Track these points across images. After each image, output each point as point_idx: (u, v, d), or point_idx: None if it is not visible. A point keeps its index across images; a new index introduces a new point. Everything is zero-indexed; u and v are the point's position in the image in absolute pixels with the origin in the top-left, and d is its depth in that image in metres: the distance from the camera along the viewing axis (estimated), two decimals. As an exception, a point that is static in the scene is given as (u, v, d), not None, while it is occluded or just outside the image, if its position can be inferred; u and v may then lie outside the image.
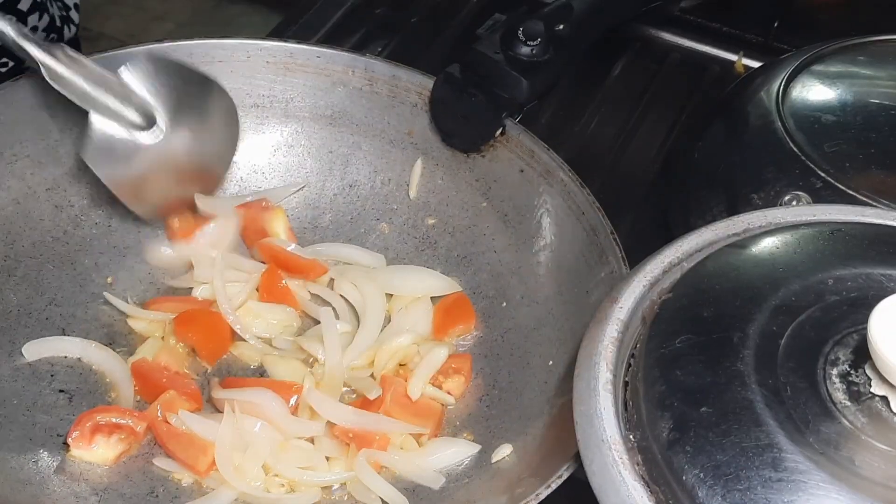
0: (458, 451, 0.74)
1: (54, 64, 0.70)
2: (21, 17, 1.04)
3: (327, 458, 0.74)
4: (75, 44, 1.18)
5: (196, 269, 0.83)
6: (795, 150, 0.79)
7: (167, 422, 0.74)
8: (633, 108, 1.04)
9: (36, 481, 0.70)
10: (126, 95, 0.74)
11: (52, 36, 1.09)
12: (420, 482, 0.72)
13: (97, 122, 0.73)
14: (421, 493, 0.72)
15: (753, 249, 0.62)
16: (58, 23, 1.10)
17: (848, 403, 0.53)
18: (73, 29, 1.14)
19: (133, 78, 0.75)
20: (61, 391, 0.76)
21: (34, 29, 1.06)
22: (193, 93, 0.79)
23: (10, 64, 1.05)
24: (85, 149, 0.74)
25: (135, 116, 0.74)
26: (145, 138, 0.76)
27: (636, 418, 0.54)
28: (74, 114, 0.83)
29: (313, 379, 0.77)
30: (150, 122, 0.75)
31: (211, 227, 0.84)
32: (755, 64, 1.05)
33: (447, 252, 0.86)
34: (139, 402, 0.77)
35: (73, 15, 1.14)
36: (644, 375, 0.55)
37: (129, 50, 0.83)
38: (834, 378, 0.54)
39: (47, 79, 0.70)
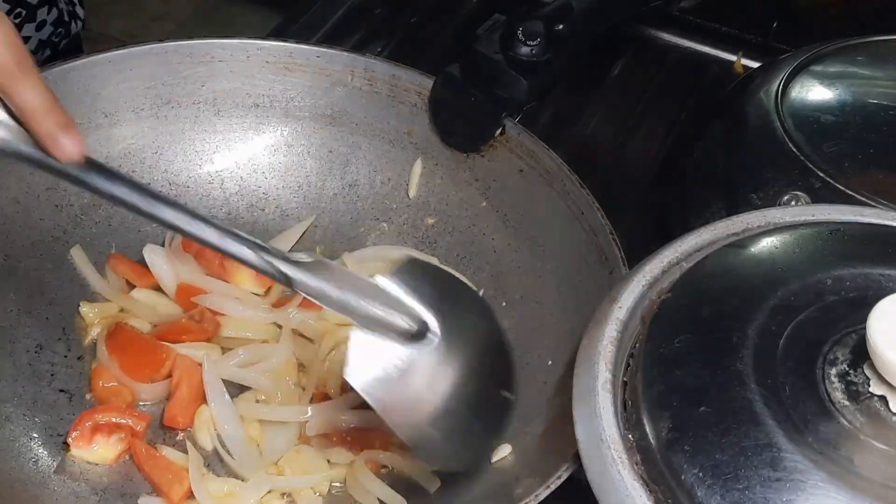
0: (458, 452, 0.74)
1: (308, 279, 0.60)
2: (30, 11, 1.03)
3: (329, 463, 0.74)
4: (78, 40, 1.18)
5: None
6: (794, 150, 0.79)
7: (149, 445, 0.73)
8: (633, 108, 1.04)
9: (36, 481, 0.70)
10: (390, 302, 0.63)
11: (60, 30, 1.09)
12: (419, 482, 0.73)
13: (360, 337, 0.62)
14: (420, 493, 0.72)
15: (752, 249, 0.62)
16: (65, 17, 1.10)
17: (847, 403, 0.53)
18: (80, 24, 1.14)
19: (394, 282, 0.64)
20: (61, 391, 0.76)
21: (42, 23, 1.05)
22: (454, 296, 0.68)
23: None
24: (351, 370, 0.61)
25: (403, 323, 0.63)
26: (419, 348, 0.63)
27: (635, 418, 0.54)
28: (74, 113, 0.83)
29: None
30: (420, 331, 0.64)
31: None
32: (754, 64, 1.05)
33: (447, 252, 0.86)
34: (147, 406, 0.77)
35: (79, 10, 1.14)
36: (643, 375, 0.55)
37: (130, 49, 0.84)
38: (833, 378, 0.54)
39: (300, 292, 0.61)
